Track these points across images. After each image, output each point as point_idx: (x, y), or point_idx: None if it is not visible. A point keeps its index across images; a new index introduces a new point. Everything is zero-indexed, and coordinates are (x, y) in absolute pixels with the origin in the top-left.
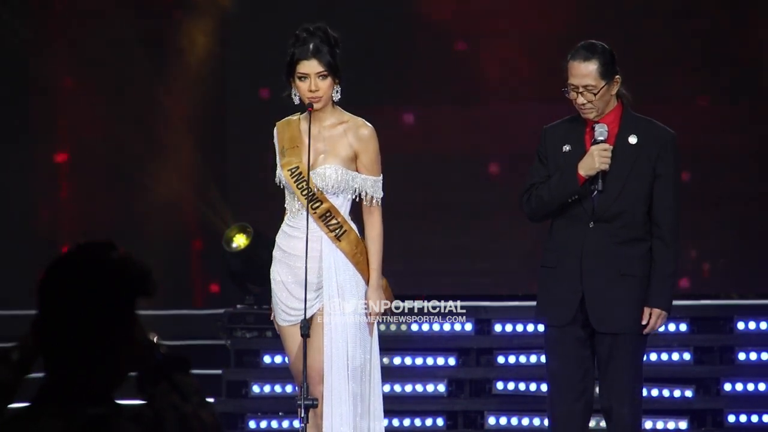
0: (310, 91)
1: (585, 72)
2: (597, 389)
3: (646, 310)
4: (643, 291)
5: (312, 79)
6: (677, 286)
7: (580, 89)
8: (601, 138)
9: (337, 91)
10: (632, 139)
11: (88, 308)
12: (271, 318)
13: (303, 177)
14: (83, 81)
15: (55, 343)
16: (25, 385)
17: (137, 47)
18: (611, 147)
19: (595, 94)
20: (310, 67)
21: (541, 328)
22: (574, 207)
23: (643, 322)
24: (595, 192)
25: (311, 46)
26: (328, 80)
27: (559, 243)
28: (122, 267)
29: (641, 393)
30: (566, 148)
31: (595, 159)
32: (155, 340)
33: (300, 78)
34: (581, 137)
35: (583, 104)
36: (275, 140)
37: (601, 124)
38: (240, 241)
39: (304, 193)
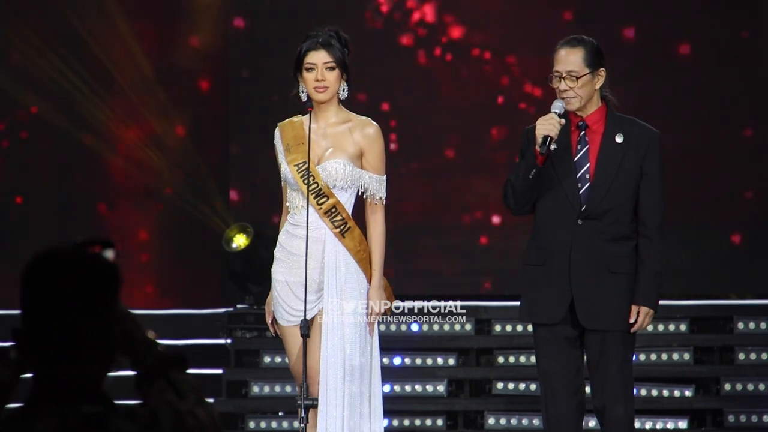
0: (317, 80)
1: (570, 58)
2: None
3: (634, 309)
4: (630, 289)
5: (319, 68)
6: (675, 286)
7: (564, 74)
8: (555, 110)
9: (344, 89)
10: (618, 138)
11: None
12: (269, 321)
13: (310, 173)
14: (83, 80)
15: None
16: (24, 385)
17: (137, 44)
18: (558, 118)
19: (577, 79)
20: (318, 57)
21: None
22: (562, 204)
23: (631, 320)
24: (545, 152)
25: (321, 39)
26: (336, 72)
27: (545, 240)
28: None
29: (633, 391)
30: (551, 146)
31: (538, 125)
32: (153, 338)
33: (307, 69)
34: (566, 135)
35: (565, 90)
36: (277, 141)
37: (560, 99)
38: (240, 241)
39: (310, 188)
